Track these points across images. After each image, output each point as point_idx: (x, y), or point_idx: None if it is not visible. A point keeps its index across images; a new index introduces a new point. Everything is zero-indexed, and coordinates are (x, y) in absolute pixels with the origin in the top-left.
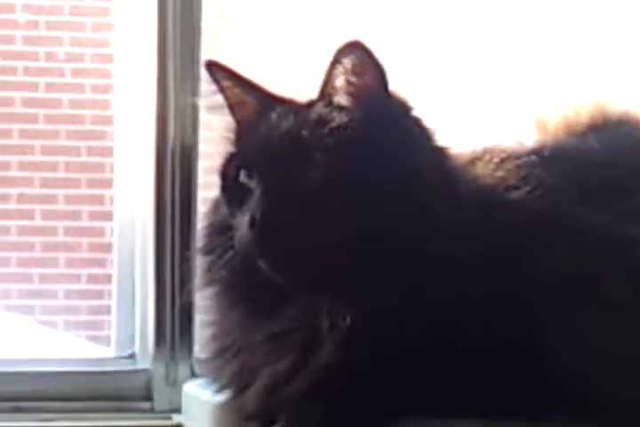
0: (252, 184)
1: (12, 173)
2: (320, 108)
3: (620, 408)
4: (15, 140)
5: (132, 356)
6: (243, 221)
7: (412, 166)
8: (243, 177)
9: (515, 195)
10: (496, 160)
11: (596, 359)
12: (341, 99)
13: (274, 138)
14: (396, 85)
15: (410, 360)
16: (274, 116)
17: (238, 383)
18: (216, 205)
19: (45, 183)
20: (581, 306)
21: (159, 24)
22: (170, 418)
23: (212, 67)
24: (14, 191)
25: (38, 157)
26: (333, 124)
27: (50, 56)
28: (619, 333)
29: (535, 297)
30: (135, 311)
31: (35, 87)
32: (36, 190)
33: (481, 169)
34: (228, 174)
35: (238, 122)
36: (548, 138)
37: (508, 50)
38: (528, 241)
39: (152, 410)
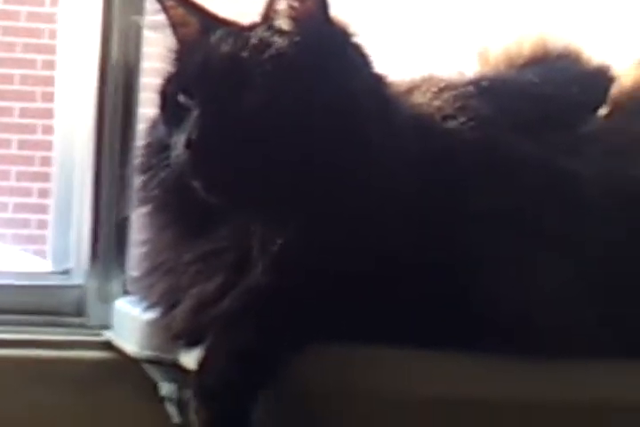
0: (191, 105)
1: None
2: (261, 32)
3: (547, 338)
4: None
5: (66, 271)
6: (179, 141)
7: (350, 92)
8: (181, 97)
9: (451, 124)
10: (434, 89)
11: (530, 290)
12: (282, 23)
13: (214, 60)
14: (339, 12)
15: (338, 286)
16: (215, 37)
17: (167, 302)
18: (154, 125)
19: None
20: (517, 237)
21: None
22: (101, 334)
23: None
24: None
25: None
26: (273, 48)
27: None
28: (554, 265)
29: (469, 225)
30: (72, 227)
31: None
32: None
33: (418, 98)
34: (168, 94)
35: (180, 42)
36: (489, 70)
37: None
38: (463, 170)
39: (84, 326)
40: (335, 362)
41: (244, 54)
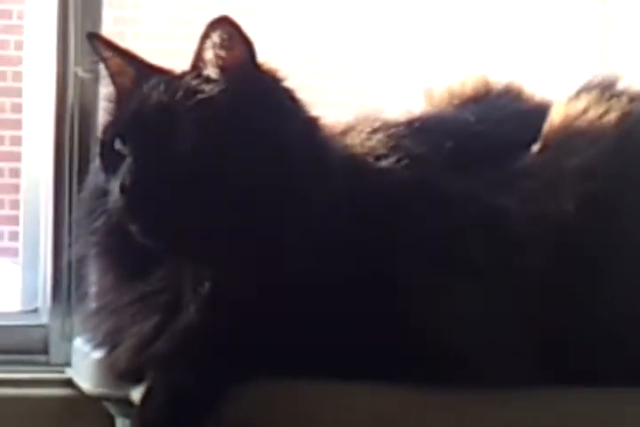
0: (126, 151)
1: None
2: (189, 80)
3: (467, 367)
4: None
5: (35, 310)
6: (115, 187)
7: (280, 138)
8: (118, 144)
9: (383, 163)
10: (368, 130)
11: (455, 319)
12: (210, 71)
13: (145, 107)
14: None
15: (266, 326)
16: (147, 85)
17: (110, 342)
18: (95, 171)
19: None
20: (441, 267)
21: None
22: (64, 372)
23: (93, 38)
24: None
25: None
26: (201, 96)
27: None
28: (478, 294)
29: (397, 257)
30: (39, 267)
31: None
32: None
33: (353, 139)
34: (105, 141)
35: (118, 90)
36: (433, 108)
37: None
38: (394, 207)
39: (47, 363)
40: (267, 397)
41: (173, 102)
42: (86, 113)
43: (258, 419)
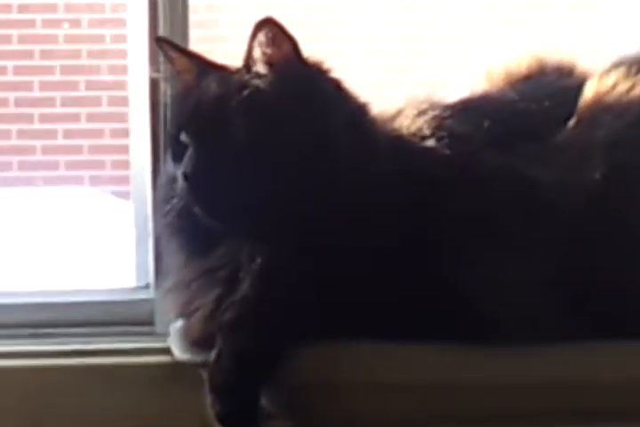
0: (188, 142)
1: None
2: (241, 75)
3: (512, 327)
4: None
5: (146, 286)
6: (180, 174)
7: (326, 125)
8: (183, 136)
9: (428, 143)
10: (414, 113)
11: (491, 286)
12: (259, 67)
13: (203, 101)
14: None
15: (313, 291)
16: (205, 81)
17: (185, 313)
18: (166, 161)
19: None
20: (484, 243)
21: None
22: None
23: (161, 42)
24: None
25: None
26: (252, 90)
27: None
28: (516, 262)
29: (441, 227)
30: (149, 245)
31: None
32: None
33: (401, 122)
34: (172, 134)
35: (183, 87)
36: (492, 87)
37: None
38: (437, 182)
39: (152, 334)
40: (324, 357)
41: (226, 95)
42: None
43: (313, 380)
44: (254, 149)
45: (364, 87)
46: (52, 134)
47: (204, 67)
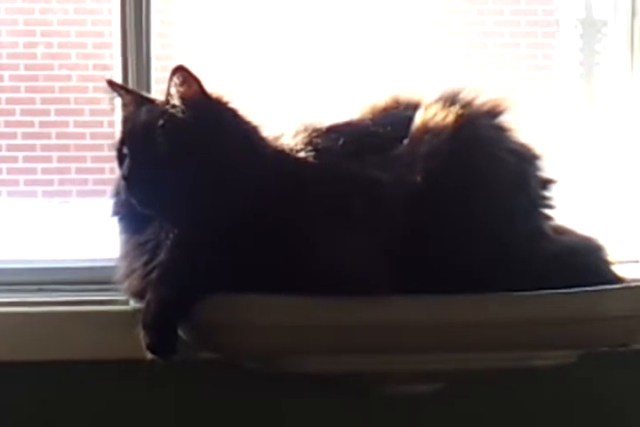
0: (126, 154)
1: None
2: (163, 107)
3: (350, 281)
4: None
5: None
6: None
7: (224, 141)
8: (124, 149)
9: (300, 154)
10: (292, 134)
11: (338, 250)
12: (175, 101)
13: (136, 124)
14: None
15: (211, 259)
16: (139, 111)
17: (126, 275)
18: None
19: None
20: (335, 221)
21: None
22: None
23: (112, 84)
24: None
25: None
26: (170, 117)
27: None
28: (358, 237)
29: (306, 214)
30: None
31: None
32: None
33: (284, 140)
34: (117, 148)
35: (125, 114)
36: (361, 116)
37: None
38: (304, 182)
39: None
40: (226, 304)
41: (151, 121)
42: None
43: (215, 322)
44: (172, 160)
45: (260, 114)
46: None
47: (140, 100)
